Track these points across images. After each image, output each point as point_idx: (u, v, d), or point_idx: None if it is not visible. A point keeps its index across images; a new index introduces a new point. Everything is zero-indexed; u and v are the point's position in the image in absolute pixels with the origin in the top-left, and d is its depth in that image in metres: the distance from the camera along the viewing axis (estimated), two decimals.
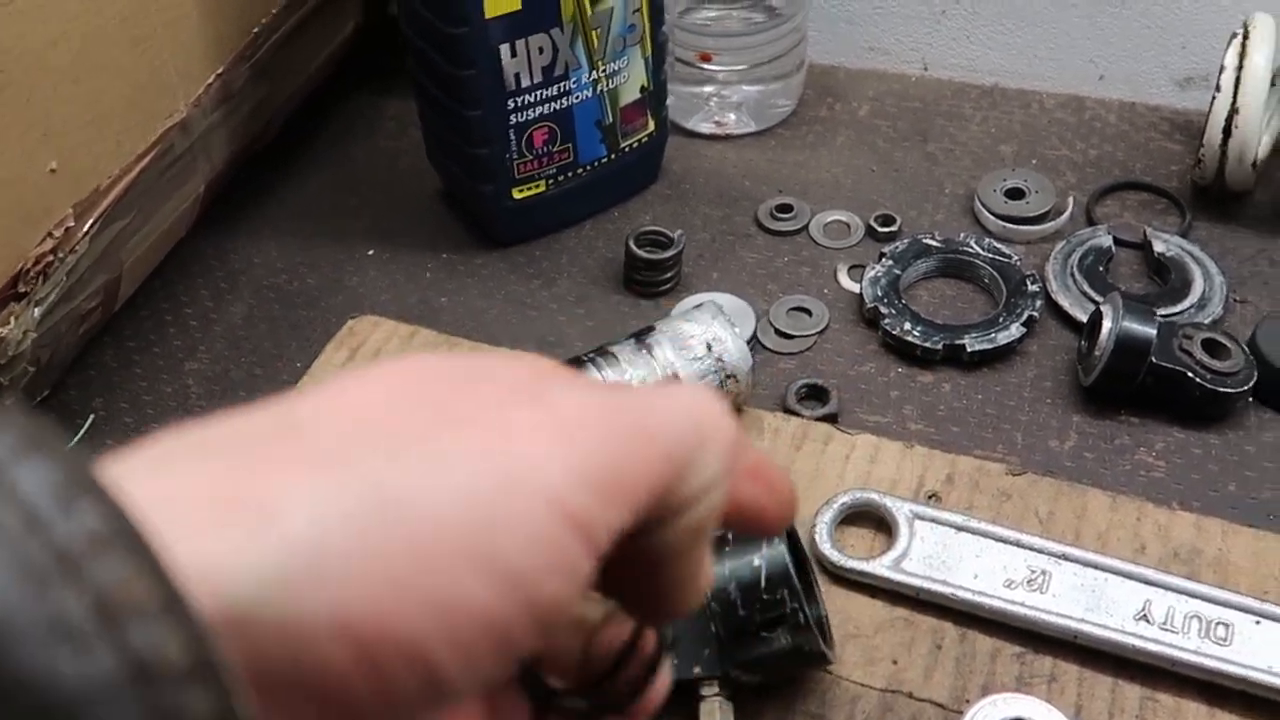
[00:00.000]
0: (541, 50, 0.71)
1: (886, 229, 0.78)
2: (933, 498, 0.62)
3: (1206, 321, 0.69)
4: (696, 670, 0.52)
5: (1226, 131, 0.73)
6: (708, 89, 0.87)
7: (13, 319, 0.62)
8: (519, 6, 0.68)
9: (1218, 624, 0.54)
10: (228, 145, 0.77)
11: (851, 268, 0.76)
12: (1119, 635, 0.54)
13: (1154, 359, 0.64)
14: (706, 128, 0.87)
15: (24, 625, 0.17)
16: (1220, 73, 0.73)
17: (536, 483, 0.23)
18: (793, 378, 0.69)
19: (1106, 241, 0.75)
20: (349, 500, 0.22)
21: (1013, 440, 0.66)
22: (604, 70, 0.74)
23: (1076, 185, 0.81)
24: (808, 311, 0.73)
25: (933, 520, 0.59)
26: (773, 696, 0.55)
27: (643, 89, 0.77)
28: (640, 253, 0.74)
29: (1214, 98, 0.73)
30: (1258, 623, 0.54)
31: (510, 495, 0.23)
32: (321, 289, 0.78)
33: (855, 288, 0.74)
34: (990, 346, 0.69)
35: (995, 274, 0.73)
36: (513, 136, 0.73)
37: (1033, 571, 0.57)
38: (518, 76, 0.71)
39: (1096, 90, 0.89)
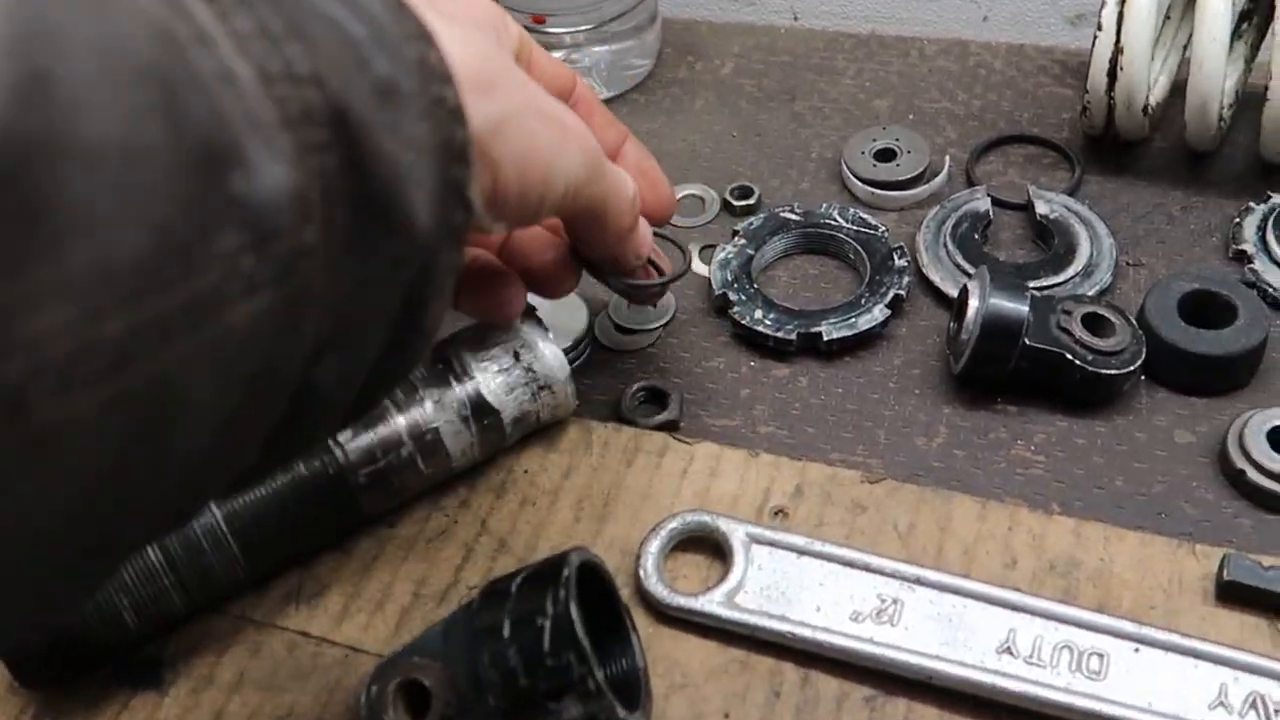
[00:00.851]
0: None
1: (744, 202, 0.69)
2: (779, 514, 0.54)
3: (1093, 291, 0.62)
4: None
5: (1111, 74, 0.65)
6: (555, 55, 0.78)
7: None
8: None
9: (1091, 654, 0.47)
10: None
11: (703, 249, 0.68)
12: (979, 673, 0.47)
13: (1027, 340, 0.56)
14: None
15: (388, 52, 0.32)
16: (1101, 8, 0.65)
17: (577, 129, 0.43)
18: (634, 379, 0.61)
19: (984, 205, 0.66)
20: (514, 103, 0.39)
21: (875, 439, 0.58)
22: None
23: (957, 142, 0.73)
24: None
25: (772, 544, 0.52)
26: None
27: None
28: None
29: (1095, 37, 0.65)
30: (1136, 650, 0.47)
31: (571, 134, 0.43)
32: None
33: (705, 271, 0.66)
34: (850, 333, 0.61)
35: (860, 248, 0.65)
36: None
37: (883, 601, 0.49)
38: None
39: (981, 33, 0.81)
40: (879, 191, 0.68)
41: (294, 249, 0.28)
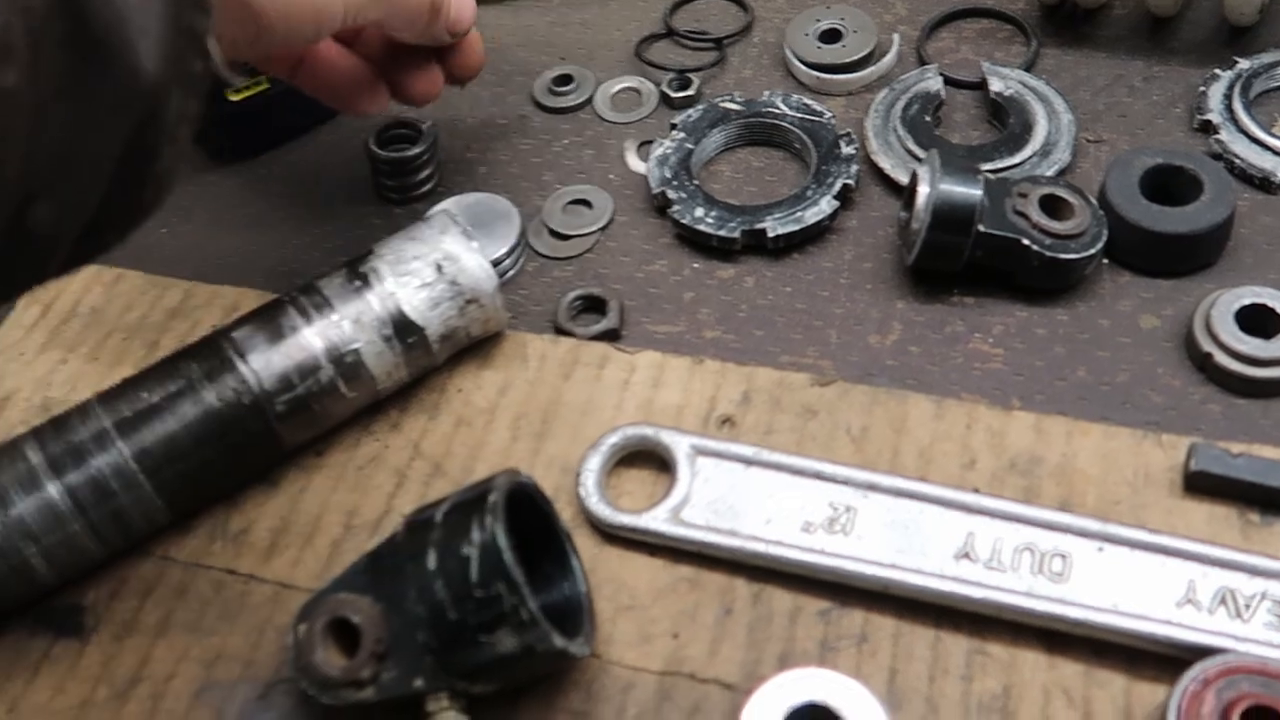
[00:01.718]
0: None
1: (683, 94, 0.65)
2: (726, 423, 0.51)
3: (1052, 172, 0.58)
4: (418, 683, 0.42)
5: None
6: None
7: None
8: None
9: (1053, 555, 0.45)
10: None
11: (641, 145, 0.64)
12: (938, 581, 0.45)
13: (981, 227, 0.53)
14: None
15: None
16: None
17: None
18: (571, 287, 0.58)
19: (935, 85, 0.63)
20: None
21: (825, 339, 0.55)
22: None
23: (907, 19, 0.69)
24: (588, 204, 0.61)
25: (717, 455, 0.49)
26: (526, 696, 0.45)
27: None
28: (382, 153, 0.62)
29: None
30: (1100, 549, 0.44)
31: None
32: None
33: (644, 169, 0.62)
34: (798, 228, 0.57)
35: (805, 137, 0.61)
36: None
37: (835, 510, 0.47)
38: None
39: None
40: (824, 75, 0.64)
41: None
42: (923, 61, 0.66)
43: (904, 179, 0.59)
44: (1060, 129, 0.60)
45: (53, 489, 0.46)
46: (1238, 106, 0.59)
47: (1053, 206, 0.54)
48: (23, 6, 0.28)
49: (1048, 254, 0.53)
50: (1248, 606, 0.42)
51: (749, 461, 0.49)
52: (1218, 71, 0.62)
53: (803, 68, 0.65)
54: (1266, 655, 0.41)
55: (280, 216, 0.63)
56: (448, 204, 0.61)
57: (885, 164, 0.60)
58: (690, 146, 0.61)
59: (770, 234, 0.57)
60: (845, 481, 0.47)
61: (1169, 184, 0.56)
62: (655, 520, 0.48)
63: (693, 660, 0.45)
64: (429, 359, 0.52)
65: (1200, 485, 0.47)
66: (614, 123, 0.66)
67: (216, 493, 0.51)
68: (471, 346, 0.55)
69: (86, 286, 0.61)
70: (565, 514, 0.48)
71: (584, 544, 0.48)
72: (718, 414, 0.52)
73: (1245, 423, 0.50)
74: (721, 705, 0.44)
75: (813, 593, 0.46)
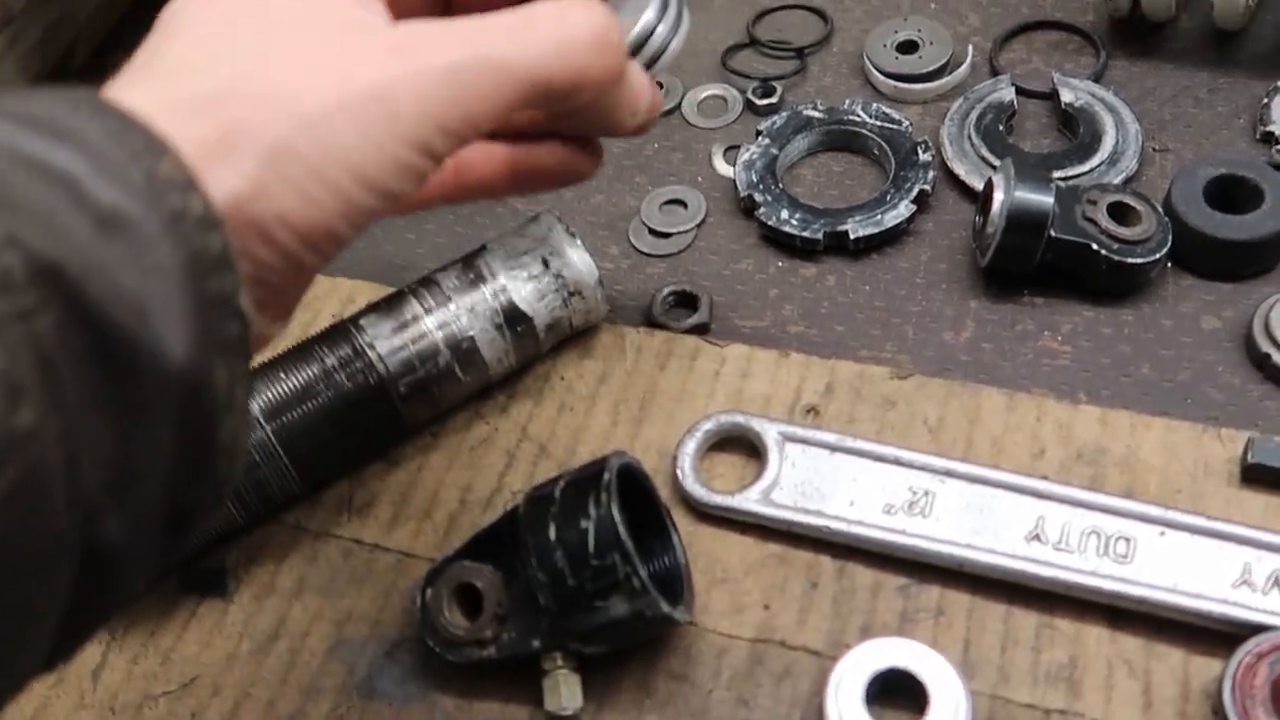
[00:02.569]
0: None
1: (766, 101, 0.69)
2: (811, 412, 0.56)
3: (1120, 180, 0.62)
4: (535, 644, 0.47)
5: None
6: None
7: None
8: None
9: (1118, 539, 0.48)
10: (21, 75, 0.68)
11: (728, 149, 0.68)
12: (1009, 560, 0.48)
13: (1053, 232, 0.56)
14: None
15: (112, 179, 0.28)
16: None
17: (396, 133, 0.34)
18: (664, 283, 0.62)
19: (1008, 95, 0.66)
20: (266, 154, 0.33)
21: (903, 335, 0.59)
22: None
23: (980, 30, 0.72)
24: (683, 204, 0.66)
25: (804, 442, 0.53)
26: (630, 658, 0.49)
27: None
28: None
29: None
30: (1162, 534, 0.48)
31: (377, 142, 0.34)
32: None
33: (731, 172, 0.66)
34: (877, 230, 0.61)
35: (884, 144, 0.65)
36: None
37: (914, 493, 0.51)
38: None
39: None
40: (902, 85, 0.68)
41: (6, 435, 0.25)
42: (995, 72, 0.69)
43: (978, 185, 0.62)
44: (1128, 138, 0.63)
45: None
46: None
47: (1121, 213, 0.57)
48: (26, 337, 0.26)
49: (1115, 258, 0.56)
50: None
51: (833, 448, 0.53)
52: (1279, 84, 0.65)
53: (881, 77, 0.69)
54: None
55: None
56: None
57: (960, 170, 0.63)
58: (775, 152, 0.65)
59: (852, 235, 0.61)
60: (923, 468, 0.51)
61: (1232, 193, 0.59)
62: (747, 501, 0.52)
63: (782, 629, 0.49)
64: (535, 347, 0.57)
65: (1257, 477, 0.50)
66: (701, 128, 0.70)
67: (344, 467, 0.56)
68: (573, 337, 0.59)
69: None
70: (662, 494, 0.52)
71: (680, 522, 0.52)
72: (803, 404, 0.56)
73: None
74: (810, 670, 0.48)
75: (892, 569, 0.50)
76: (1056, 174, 0.61)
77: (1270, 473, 0.50)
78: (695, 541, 0.52)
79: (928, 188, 0.62)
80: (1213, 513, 0.49)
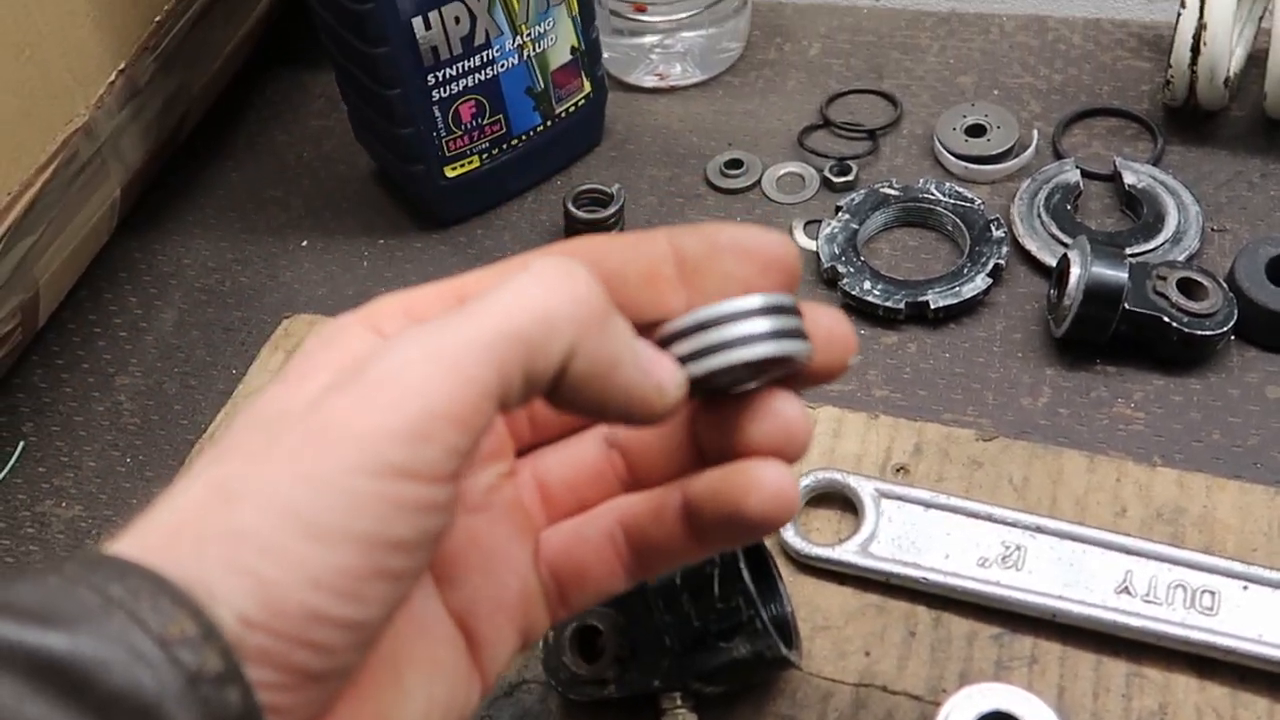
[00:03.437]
0: (458, 20, 0.66)
1: (843, 179, 0.73)
2: (901, 471, 0.59)
3: (1182, 257, 0.66)
4: (656, 683, 0.50)
5: (1195, 49, 0.69)
6: (648, 39, 0.82)
7: None
8: None
9: (1203, 592, 0.51)
10: (141, 144, 0.72)
11: (808, 224, 0.72)
12: (1100, 611, 0.51)
13: (1127, 305, 0.60)
14: (650, 81, 0.82)
15: (116, 660, 0.26)
16: None
17: (365, 466, 0.28)
18: None
19: (1074, 176, 0.70)
20: (269, 545, 0.28)
21: (983, 400, 0.62)
22: (528, 34, 0.69)
23: (1042, 115, 0.76)
24: None
25: (899, 499, 0.56)
26: (741, 700, 0.52)
27: (573, 50, 0.72)
28: (579, 213, 0.71)
29: (1179, 14, 0.69)
30: (1245, 588, 0.51)
31: (353, 485, 0.28)
32: (255, 287, 0.74)
33: (812, 245, 0.70)
34: (955, 301, 0.65)
35: (958, 220, 0.69)
36: (437, 113, 0.69)
37: (1007, 548, 0.54)
38: (435, 50, 0.66)
39: (1058, 8, 0.84)
40: (972, 166, 0.72)
41: None
42: (1059, 155, 0.73)
43: (1049, 260, 0.66)
44: (1189, 219, 0.67)
45: None
46: None
47: (1189, 288, 0.61)
48: None
49: (1186, 330, 0.60)
50: None
51: (927, 504, 0.56)
52: None
53: (951, 158, 0.73)
54: None
55: None
56: None
57: (1032, 246, 0.67)
58: (855, 226, 0.69)
59: (932, 305, 0.65)
60: (1014, 524, 0.55)
61: None
62: (846, 552, 0.55)
63: (884, 674, 0.52)
64: None
65: None
66: (780, 203, 0.74)
67: None
68: None
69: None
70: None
71: (783, 573, 0.55)
72: (893, 463, 0.59)
73: None
74: (911, 714, 0.51)
75: (987, 619, 0.53)
76: (1125, 251, 0.65)
77: None
78: (796, 591, 0.55)
79: (1002, 262, 0.66)
80: None
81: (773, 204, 0.74)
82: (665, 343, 0.34)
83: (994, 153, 0.73)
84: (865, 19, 0.86)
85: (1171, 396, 0.61)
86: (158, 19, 0.72)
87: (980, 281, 0.65)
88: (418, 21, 0.65)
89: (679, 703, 0.50)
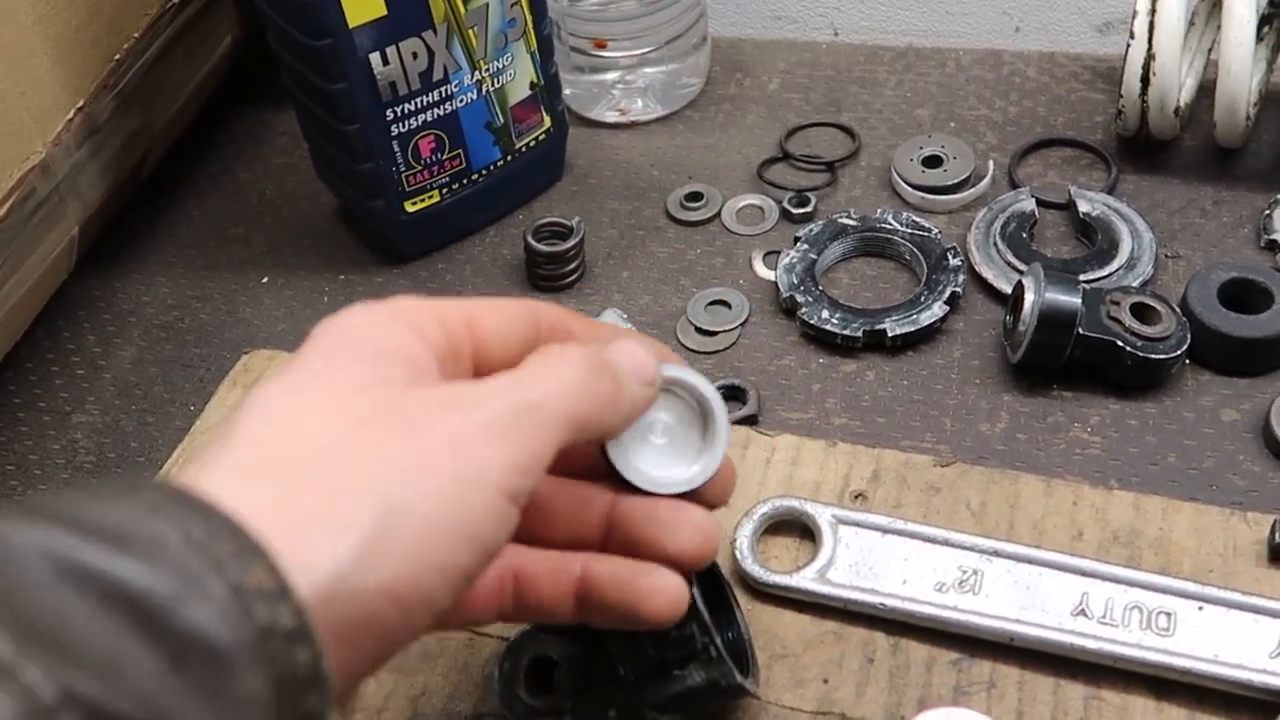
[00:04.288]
0: (415, 55, 0.66)
1: (802, 210, 0.74)
2: (859, 497, 0.59)
3: (1137, 283, 0.66)
4: (612, 714, 0.49)
5: (1144, 80, 0.70)
6: (610, 75, 0.83)
7: None
8: (385, 11, 0.64)
9: (1159, 613, 0.51)
10: (100, 181, 0.72)
11: (767, 254, 0.72)
12: (1057, 634, 0.51)
13: (1081, 330, 0.60)
14: (611, 116, 0.83)
15: (192, 600, 0.26)
16: (1133, 18, 0.70)
17: (487, 481, 0.34)
18: (711, 378, 0.66)
19: (1029, 205, 0.71)
20: (373, 515, 0.32)
21: (941, 427, 0.63)
22: (487, 70, 0.70)
23: (998, 146, 0.77)
24: (727, 304, 0.70)
25: (857, 525, 0.56)
26: None
27: (533, 85, 0.73)
28: (539, 246, 0.71)
29: (1129, 45, 0.70)
30: (1200, 608, 0.51)
31: (473, 492, 0.34)
32: (215, 324, 0.74)
33: (771, 275, 0.70)
34: (913, 329, 0.65)
35: (915, 250, 0.69)
36: (397, 148, 0.69)
37: (964, 572, 0.54)
38: (393, 85, 0.67)
39: (1013, 43, 0.85)
40: (929, 196, 0.73)
41: None
42: (1014, 184, 0.74)
43: (1005, 287, 0.66)
44: (1143, 245, 0.68)
45: None
46: None
47: (1143, 313, 0.62)
48: None
49: (1140, 354, 0.60)
50: None
51: (884, 530, 0.56)
52: (1279, 197, 0.70)
53: (909, 189, 0.74)
54: None
55: None
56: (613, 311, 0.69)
57: (988, 274, 0.68)
58: (814, 256, 0.70)
59: (890, 334, 0.65)
60: (971, 548, 0.54)
61: (1242, 295, 0.63)
62: (804, 579, 0.55)
63: (842, 702, 0.52)
64: None
65: None
66: (740, 234, 0.74)
67: None
68: None
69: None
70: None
71: (739, 600, 0.54)
72: (851, 489, 0.59)
73: None
74: None
75: (945, 644, 0.53)
76: (1079, 278, 0.65)
77: None
78: (754, 618, 0.55)
79: (959, 290, 0.66)
80: (1244, 589, 0.52)
81: (732, 235, 0.74)
82: None
83: (951, 183, 0.73)
84: (824, 54, 0.87)
85: (1127, 420, 0.61)
86: (117, 57, 0.72)
87: (938, 309, 0.66)
88: (375, 57, 0.65)
89: None
